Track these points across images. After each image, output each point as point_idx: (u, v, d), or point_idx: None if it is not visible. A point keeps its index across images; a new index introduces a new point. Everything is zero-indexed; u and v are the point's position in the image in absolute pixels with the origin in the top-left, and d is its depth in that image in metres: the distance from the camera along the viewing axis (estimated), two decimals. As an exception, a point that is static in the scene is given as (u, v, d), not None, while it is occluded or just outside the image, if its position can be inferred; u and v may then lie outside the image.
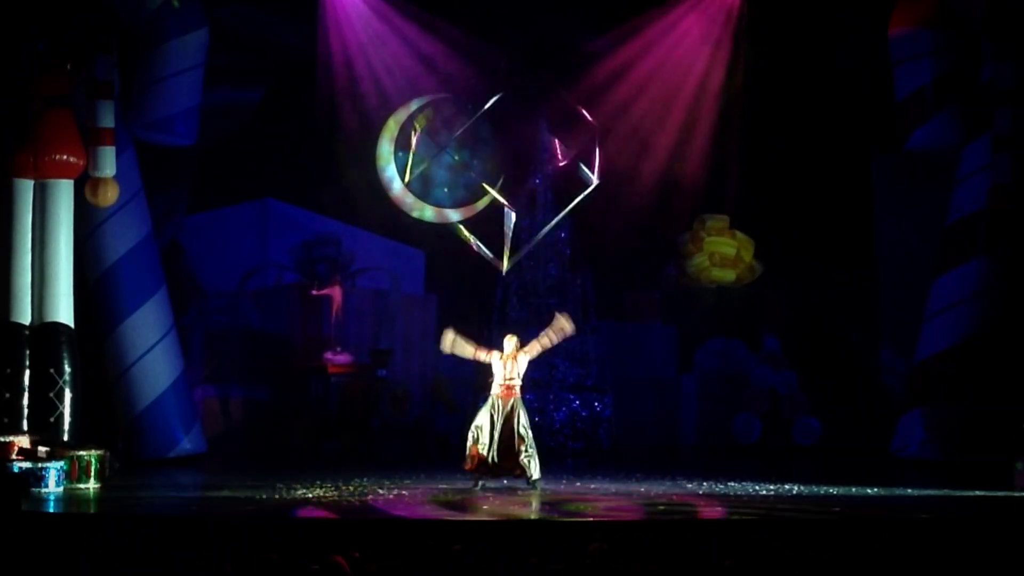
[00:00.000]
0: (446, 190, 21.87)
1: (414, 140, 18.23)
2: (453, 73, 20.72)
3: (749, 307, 21.50)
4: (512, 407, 14.59)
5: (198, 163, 19.31)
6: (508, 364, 14.71)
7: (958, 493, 14.52)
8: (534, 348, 14.90)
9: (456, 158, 21.25)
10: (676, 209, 21.24)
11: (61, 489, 14.27)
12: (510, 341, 14.92)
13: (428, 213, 21.59)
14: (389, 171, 21.64)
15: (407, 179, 18.07)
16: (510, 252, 16.34)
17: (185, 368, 18.27)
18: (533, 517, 12.81)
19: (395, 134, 21.52)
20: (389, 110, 21.33)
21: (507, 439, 14.51)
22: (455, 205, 21.51)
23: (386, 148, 21.58)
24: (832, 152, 20.48)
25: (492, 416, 14.56)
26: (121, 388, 17.60)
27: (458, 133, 19.95)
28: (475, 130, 20.85)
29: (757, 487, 14.62)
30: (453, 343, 14.99)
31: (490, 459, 14.50)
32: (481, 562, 10.27)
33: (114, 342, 17.62)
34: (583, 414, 19.80)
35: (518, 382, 14.73)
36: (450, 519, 12.37)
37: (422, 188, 21.79)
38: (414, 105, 21.50)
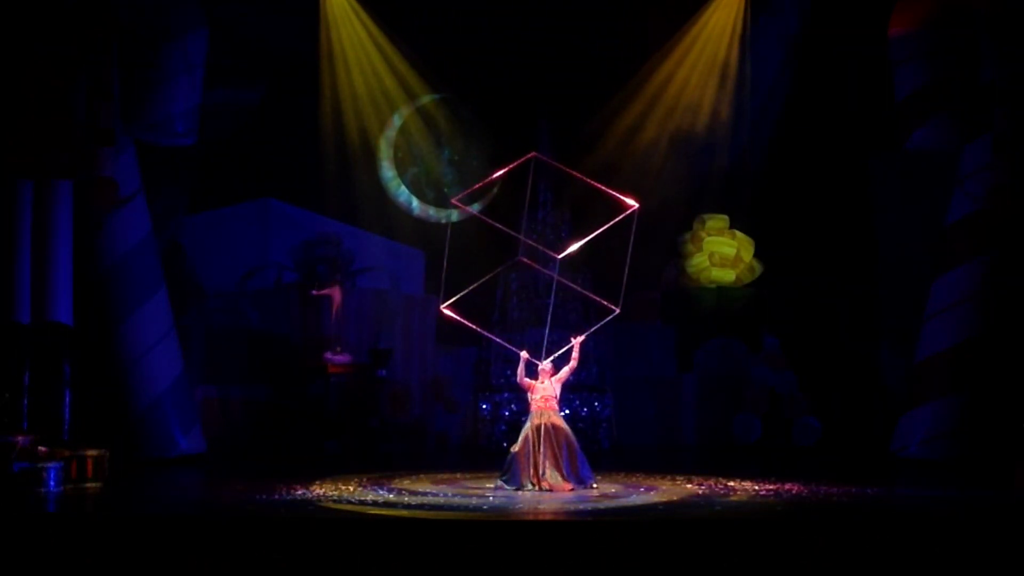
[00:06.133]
0: (446, 189, 21.90)
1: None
2: (451, 72, 20.76)
3: (749, 307, 21.49)
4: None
5: (198, 163, 19.31)
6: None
7: (958, 493, 14.52)
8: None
9: (456, 157, 21.22)
10: (676, 210, 21.27)
11: (61, 489, 14.28)
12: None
13: (453, 215, 21.63)
14: (403, 195, 21.71)
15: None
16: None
17: (185, 368, 18.29)
18: (535, 517, 12.80)
19: (391, 155, 21.55)
20: (387, 110, 21.34)
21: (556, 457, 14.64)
22: (472, 198, 21.58)
23: (388, 173, 21.61)
24: (832, 152, 20.48)
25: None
26: (121, 388, 17.62)
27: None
28: (466, 124, 20.85)
29: (757, 487, 14.62)
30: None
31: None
32: (482, 562, 10.27)
33: (114, 342, 17.64)
34: (583, 414, 19.78)
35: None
36: (452, 519, 12.36)
37: (436, 193, 21.82)
38: (397, 121, 21.52)
